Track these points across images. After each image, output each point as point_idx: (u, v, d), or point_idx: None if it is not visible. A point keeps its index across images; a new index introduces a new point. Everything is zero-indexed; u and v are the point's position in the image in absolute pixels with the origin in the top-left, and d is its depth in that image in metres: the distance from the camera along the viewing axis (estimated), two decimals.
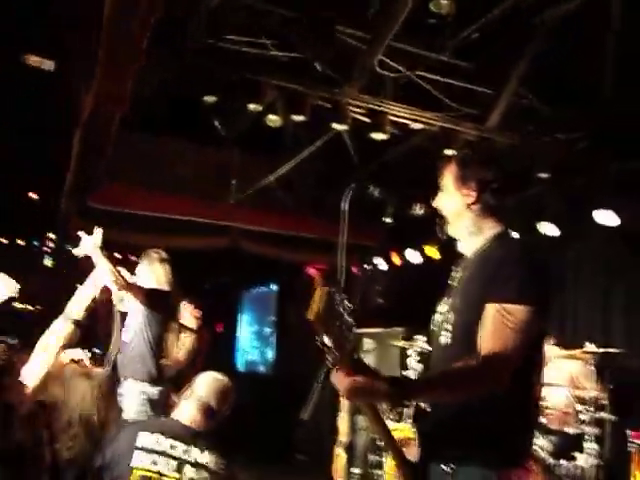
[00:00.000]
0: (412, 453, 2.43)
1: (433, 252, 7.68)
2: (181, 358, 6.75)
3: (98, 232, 3.94)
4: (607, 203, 5.83)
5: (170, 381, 6.88)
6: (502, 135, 5.71)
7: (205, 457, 2.96)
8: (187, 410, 3.14)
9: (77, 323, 3.16)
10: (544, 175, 6.12)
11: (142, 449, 2.89)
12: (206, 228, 8.37)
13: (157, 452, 2.90)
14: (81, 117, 5.23)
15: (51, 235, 11.32)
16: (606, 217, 5.85)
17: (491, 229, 2.46)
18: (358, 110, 5.34)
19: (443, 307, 2.49)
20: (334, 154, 6.64)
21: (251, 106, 5.17)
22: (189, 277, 11.21)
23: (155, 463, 2.88)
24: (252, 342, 13.60)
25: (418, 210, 2.38)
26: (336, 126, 5.27)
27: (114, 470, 2.89)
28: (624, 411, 5.75)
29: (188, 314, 7.22)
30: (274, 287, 12.59)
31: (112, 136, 5.83)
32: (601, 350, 5.54)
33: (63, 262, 11.75)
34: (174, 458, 2.90)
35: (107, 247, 11.48)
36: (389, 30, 4.61)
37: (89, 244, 4.00)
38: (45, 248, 12.02)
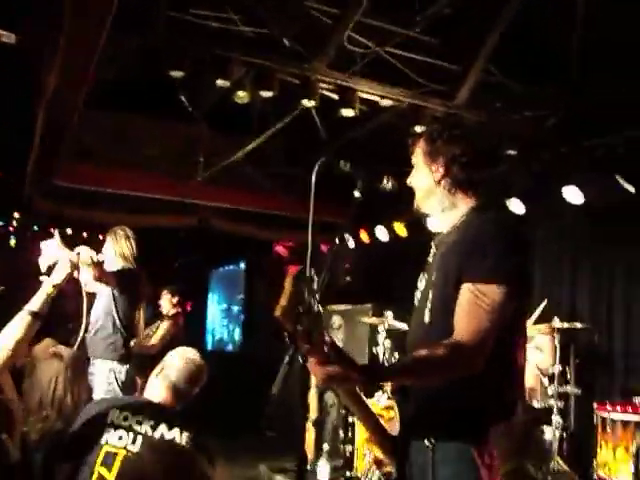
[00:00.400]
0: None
1: (401, 229, 7.71)
2: (155, 342, 6.77)
3: (55, 234, 3.73)
4: (574, 180, 5.89)
5: (142, 364, 6.88)
6: (470, 112, 5.72)
7: (173, 433, 2.94)
8: (156, 389, 3.13)
9: (35, 315, 3.04)
10: (512, 152, 6.15)
11: (110, 424, 2.88)
12: (174, 206, 8.32)
13: (123, 427, 2.88)
14: (45, 93, 5.13)
15: (16, 214, 11.15)
16: (573, 194, 5.91)
17: (465, 204, 2.45)
18: (327, 86, 5.30)
19: (422, 284, 2.50)
20: (302, 130, 6.60)
21: (219, 82, 5.11)
22: (158, 256, 11.18)
23: (121, 438, 2.86)
24: (221, 320, 13.59)
25: (387, 185, 2.36)
26: (305, 102, 5.23)
27: (82, 445, 2.87)
28: (588, 385, 5.87)
29: (167, 302, 7.26)
30: (242, 265, 12.57)
31: (77, 113, 5.72)
32: (566, 325, 5.63)
33: (27, 242, 11.62)
34: (140, 434, 2.88)
35: (74, 226, 11.37)
36: (358, 5, 4.57)
37: (52, 250, 3.79)
38: (10, 228, 11.83)
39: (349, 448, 6.03)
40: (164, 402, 3.08)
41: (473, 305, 2.16)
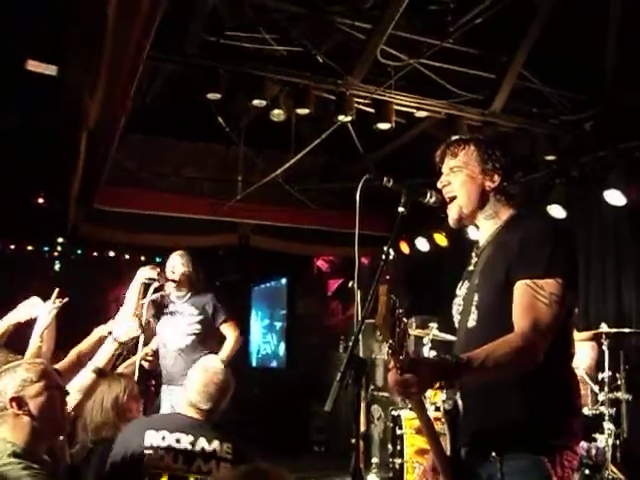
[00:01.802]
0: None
1: (442, 239, 7.68)
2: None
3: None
4: (614, 184, 5.82)
5: None
6: (507, 119, 5.70)
7: (213, 446, 2.96)
8: (183, 405, 3.14)
9: (100, 372, 3.16)
10: (551, 158, 6.11)
11: (149, 447, 2.90)
12: (215, 226, 8.40)
13: (163, 448, 2.90)
14: (86, 121, 5.24)
15: (59, 239, 11.37)
16: (614, 197, 5.84)
17: (507, 212, 2.46)
18: (362, 100, 5.33)
19: (462, 290, 2.50)
20: (340, 145, 6.64)
21: (255, 102, 5.17)
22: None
23: (162, 459, 2.89)
24: (264, 337, 13.63)
25: (431, 199, 2.38)
26: (341, 118, 5.26)
27: (126, 469, 2.89)
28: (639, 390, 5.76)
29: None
30: (284, 281, 12.61)
31: (117, 139, 5.84)
32: (614, 330, 5.55)
33: (71, 266, 11.82)
34: (181, 451, 2.91)
35: (115, 249, 11.51)
36: (390, 18, 4.60)
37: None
38: (54, 253, 12.07)
39: (398, 461, 5.99)
40: (198, 414, 3.08)
41: (532, 299, 2.18)
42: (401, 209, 2.32)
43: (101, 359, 3.17)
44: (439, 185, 2.51)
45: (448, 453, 2.37)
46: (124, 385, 3.45)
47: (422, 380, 2.07)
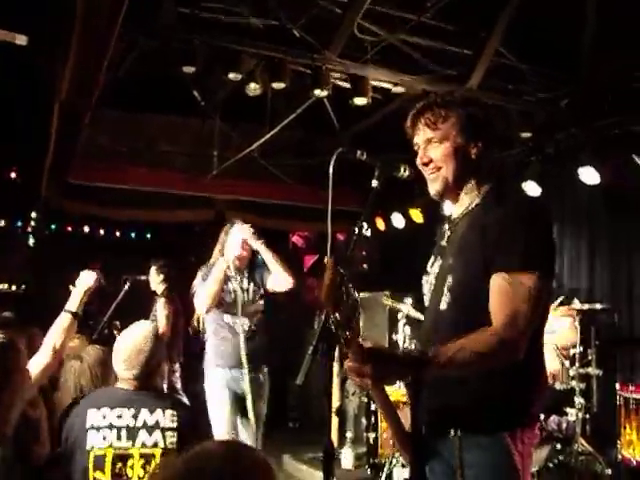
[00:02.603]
0: (404, 417, 2.43)
1: (417, 215, 7.70)
2: (163, 328, 6.69)
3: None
4: (588, 161, 5.85)
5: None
6: (483, 95, 5.69)
7: (156, 416, 2.88)
8: (120, 375, 3.04)
9: (75, 315, 3.40)
10: (526, 134, 6.13)
11: (92, 428, 2.84)
12: (190, 201, 8.34)
13: (105, 427, 2.84)
14: (58, 94, 5.16)
15: (33, 214, 11.24)
16: (588, 175, 5.88)
17: (484, 186, 2.37)
18: (338, 76, 5.30)
19: (434, 268, 2.43)
20: (316, 120, 6.60)
21: (231, 75, 5.12)
22: (175, 251, 11.21)
23: (104, 438, 2.82)
24: None
25: (405, 173, 2.34)
26: (317, 92, 5.23)
27: (73, 456, 2.84)
28: (610, 366, 5.85)
29: (156, 280, 7.03)
30: (260, 257, 12.58)
31: (90, 112, 5.76)
32: (586, 307, 5.61)
33: (45, 241, 11.70)
34: (122, 428, 2.84)
35: (90, 224, 11.39)
36: None
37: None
38: (28, 228, 11.93)
39: (372, 435, 6.04)
40: (134, 386, 2.98)
41: (510, 294, 2.10)
42: (375, 183, 2.23)
43: (73, 303, 3.42)
44: (418, 161, 2.38)
45: (408, 429, 2.31)
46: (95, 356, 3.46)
47: (379, 374, 2.00)
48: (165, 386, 6.81)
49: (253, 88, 5.32)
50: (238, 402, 4.83)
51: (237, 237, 4.84)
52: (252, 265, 5.05)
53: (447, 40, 5.38)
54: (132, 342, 2.99)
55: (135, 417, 2.87)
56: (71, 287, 3.55)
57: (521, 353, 2.07)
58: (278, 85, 5.16)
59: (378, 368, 1.98)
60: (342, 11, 4.91)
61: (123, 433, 2.83)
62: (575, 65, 5.53)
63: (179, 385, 6.89)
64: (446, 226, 2.46)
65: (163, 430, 2.86)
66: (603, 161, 5.83)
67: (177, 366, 6.97)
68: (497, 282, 2.13)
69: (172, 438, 2.86)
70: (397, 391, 5.57)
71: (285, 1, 5.11)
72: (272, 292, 5.09)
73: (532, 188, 6.26)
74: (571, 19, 5.14)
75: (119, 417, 2.86)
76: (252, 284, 5.00)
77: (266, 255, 4.89)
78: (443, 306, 2.28)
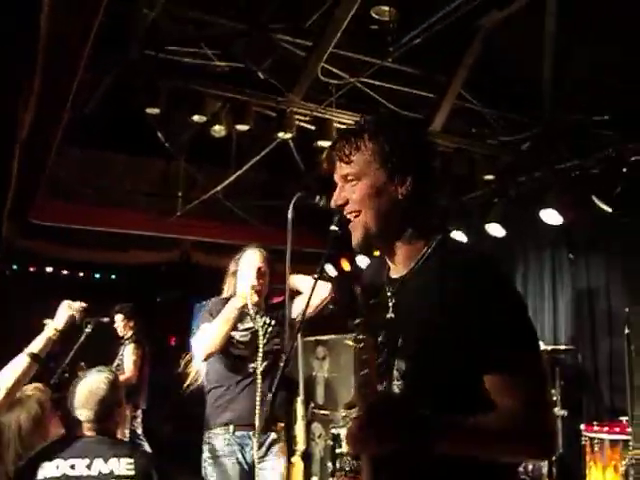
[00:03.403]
0: None
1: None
2: (130, 372, 6.63)
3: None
4: (550, 203, 5.93)
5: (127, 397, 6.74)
6: (446, 139, 5.77)
7: (110, 465, 2.80)
8: (78, 418, 2.97)
9: (35, 357, 3.16)
10: (489, 177, 6.20)
11: None
12: (155, 241, 8.29)
13: (58, 478, 2.75)
14: (20, 131, 5.10)
15: None
16: (550, 216, 5.95)
17: (433, 234, 1.85)
18: (303, 118, 5.33)
19: (373, 340, 1.82)
20: (281, 162, 6.63)
21: (195, 117, 5.13)
22: (141, 291, 11.07)
23: None
24: None
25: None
26: (281, 135, 5.26)
27: None
28: (575, 406, 5.87)
29: (122, 325, 7.02)
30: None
31: (54, 151, 5.71)
32: (550, 348, 5.64)
33: (7, 285, 11.49)
34: (76, 478, 2.76)
35: (53, 264, 11.22)
36: (331, 37, 4.62)
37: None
38: None
39: None
40: (92, 432, 2.91)
41: (515, 381, 1.67)
42: (333, 227, 1.92)
43: (37, 344, 3.19)
44: (332, 204, 1.90)
45: None
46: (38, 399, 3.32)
47: (381, 437, 1.61)
48: (127, 432, 6.72)
49: (218, 130, 5.34)
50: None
51: (252, 265, 3.97)
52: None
53: (410, 84, 5.46)
54: (87, 386, 2.95)
55: (89, 467, 2.79)
56: (45, 322, 3.37)
57: (555, 445, 1.78)
58: (242, 127, 5.18)
59: (378, 428, 1.61)
60: (306, 54, 4.95)
61: None
62: (536, 109, 5.63)
63: (140, 431, 6.77)
64: (386, 289, 1.90)
65: (118, 479, 2.79)
66: (564, 203, 5.91)
67: (139, 412, 6.87)
68: (496, 384, 1.68)
69: None
70: None
71: (250, 44, 5.15)
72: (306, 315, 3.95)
73: (496, 229, 6.32)
74: (532, 64, 5.25)
75: (72, 467, 2.78)
76: (273, 320, 3.99)
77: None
78: (395, 390, 1.79)
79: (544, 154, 5.94)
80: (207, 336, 3.87)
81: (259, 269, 3.94)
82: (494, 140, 6.01)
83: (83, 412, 2.91)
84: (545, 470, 5.40)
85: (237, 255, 4.17)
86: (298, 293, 3.87)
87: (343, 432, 5.78)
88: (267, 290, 4.04)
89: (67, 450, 2.85)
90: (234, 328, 3.88)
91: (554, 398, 5.67)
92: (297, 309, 3.83)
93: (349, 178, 1.85)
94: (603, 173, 5.58)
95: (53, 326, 3.29)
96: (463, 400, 1.69)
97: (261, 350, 3.82)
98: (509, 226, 6.34)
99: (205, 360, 3.96)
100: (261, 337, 3.86)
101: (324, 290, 3.94)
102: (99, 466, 2.80)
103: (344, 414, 6.45)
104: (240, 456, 3.77)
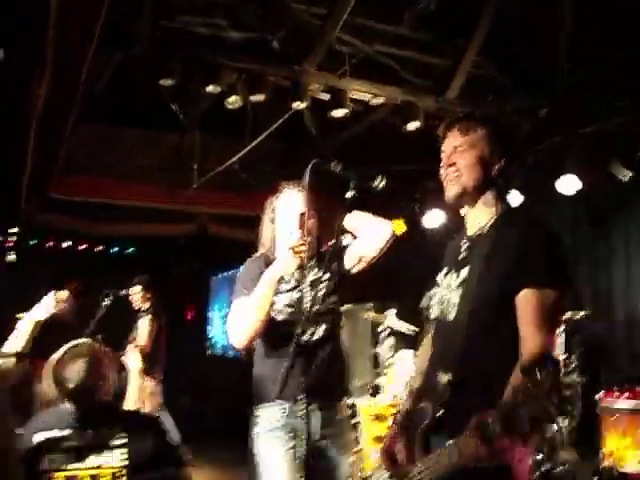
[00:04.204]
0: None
1: (400, 227, 7.69)
2: (145, 343, 6.68)
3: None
4: (570, 169, 5.88)
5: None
6: (462, 106, 5.71)
7: (102, 434, 2.80)
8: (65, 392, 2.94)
9: (18, 355, 3.10)
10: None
11: (40, 452, 2.75)
12: (171, 214, 8.31)
13: (52, 450, 2.75)
14: (35, 108, 5.12)
15: (13, 229, 11.12)
16: (570, 183, 5.90)
17: (499, 206, 2.42)
18: (317, 87, 5.30)
19: (448, 281, 2.44)
20: (296, 132, 6.60)
21: (209, 88, 5.10)
22: (157, 265, 11.14)
23: (53, 461, 2.74)
24: (222, 327, 13.55)
25: (380, 184, 2.35)
26: (296, 105, 5.22)
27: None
28: (593, 373, 5.85)
29: (139, 297, 7.07)
30: (242, 269, 12.50)
31: (69, 126, 5.72)
32: (569, 314, 5.62)
33: (25, 257, 11.59)
34: (70, 449, 2.76)
35: (71, 238, 11.31)
36: (346, 4, 4.57)
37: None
38: (8, 243, 11.81)
39: (355, 448, 6.00)
40: (80, 404, 2.89)
41: (539, 310, 2.16)
42: (349, 194, 2.29)
43: (19, 342, 3.10)
44: (443, 165, 2.43)
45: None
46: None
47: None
48: (160, 400, 6.81)
49: (233, 101, 5.31)
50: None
51: (291, 213, 3.27)
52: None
53: (425, 51, 5.40)
54: (72, 361, 2.90)
55: (83, 437, 2.80)
56: (19, 316, 3.21)
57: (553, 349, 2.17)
58: (257, 98, 5.15)
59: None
60: (320, 23, 4.91)
61: (71, 454, 2.76)
62: (553, 74, 5.55)
63: (161, 400, 6.85)
64: (464, 240, 2.48)
65: (112, 448, 2.79)
66: (584, 168, 5.85)
67: (158, 382, 6.94)
68: (528, 297, 2.18)
69: (123, 455, 2.78)
70: (378, 404, 5.56)
71: (263, 14, 5.10)
72: (363, 261, 3.38)
73: (515, 197, 6.27)
74: (549, 29, 5.17)
75: (67, 439, 2.78)
76: (327, 273, 3.30)
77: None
78: (451, 317, 2.34)
79: (562, 120, 5.87)
80: (243, 318, 3.20)
81: (302, 216, 3.11)
82: (511, 107, 5.94)
83: (70, 384, 2.86)
84: (563, 437, 5.40)
85: (274, 196, 3.50)
86: (353, 237, 3.33)
87: (359, 402, 5.81)
88: (316, 235, 3.31)
89: (61, 421, 2.84)
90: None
91: (573, 364, 5.66)
92: (353, 257, 3.31)
93: (460, 149, 2.38)
94: (624, 137, 5.52)
95: (35, 319, 3.14)
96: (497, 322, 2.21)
97: (313, 312, 3.08)
98: (528, 193, 6.29)
99: (245, 347, 3.24)
100: (311, 296, 3.15)
101: (385, 230, 3.29)
102: (92, 436, 2.80)
103: (360, 384, 6.50)
104: (293, 435, 3.10)
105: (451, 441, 2.06)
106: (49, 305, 3.24)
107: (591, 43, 5.14)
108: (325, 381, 3.09)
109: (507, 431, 1.84)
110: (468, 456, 1.98)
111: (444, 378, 2.27)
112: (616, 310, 6.09)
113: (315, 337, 3.15)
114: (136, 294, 7.02)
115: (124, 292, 6.59)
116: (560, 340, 5.62)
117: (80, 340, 3.05)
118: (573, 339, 5.75)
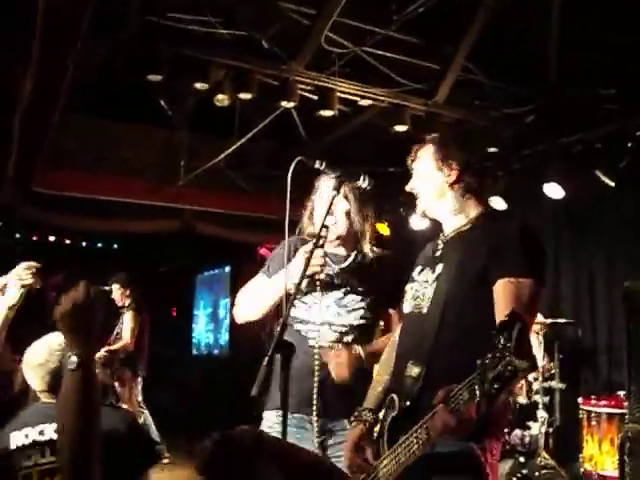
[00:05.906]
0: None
1: (384, 229, 7.70)
2: (127, 341, 6.69)
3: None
4: (553, 177, 5.91)
5: (124, 365, 6.81)
6: (450, 110, 5.73)
7: None
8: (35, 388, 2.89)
9: None
10: (493, 150, 6.17)
11: (15, 450, 2.71)
12: (157, 211, 8.28)
13: (28, 446, 2.71)
14: (20, 100, 5.08)
15: None
16: (552, 190, 5.93)
17: (474, 209, 2.53)
18: (305, 87, 5.30)
19: (422, 277, 2.53)
20: (284, 132, 6.59)
21: (198, 85, 5.09)
22: (142, 261, 11.10)
23: (29, 457, 2.69)
24: (207, 325, 13.54)
25: (363, 183, 2.37)
26: (284, 103, 5.22)
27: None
28: (573, 379, 5.90)
29: (119, 295, 7.10)
30: (227, 269, 12.53)
31: (54, 119, 5.68)
32: (550, 321, 5.65)
33: (6, 251, 11.49)
34: (45, 443, 2.71)
35: (56, 233, 11.22)
36: (335, 5, 4.57)
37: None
38: None
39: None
40: (51, 400, 2.79)
41: (515, 298, 2.21)
42: (333, 192, 2.32)
43: None
44: (407, 189, 2.63)
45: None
46: None
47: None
48: (139, 398, 6.79)
49: (221, 99, 5.29)
50: None
51: (324, 204, 2.78)
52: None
53: (414, 54, 5.40)
54: (34, 357, 2.83)
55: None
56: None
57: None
58: (245, 96, 5.14)
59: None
60: (310, 23, 4.90)
61: (47, 449, 2.71)
62: (541, 81, 5.58)
63: (140, 398, 6.83)
64: (439, 240, 2.60)
65: None
66: (567, 177, 5.89)
67: (139, 379, 6.93)
68: (502, 287, 2.26)
69: None
70: None
71: (253, 12, 5.09)
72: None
73: (498, 203, 6.29)
74: (537, 35, 5.19)
75: (41, 433, 2.73)
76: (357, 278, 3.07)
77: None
78: (424, 310, 2.41)
79: (547, 127, 5.90)
80: (248, 297, 3.25)
81: (330, 210, 2.65)
82: (497, 112, 5.96)
83: (38, 380, 2.82)
84: (542, 442, 5.44)
85: (316, 183, 3.12)
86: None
87: None
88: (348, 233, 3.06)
89: (34, 416, 2.79)
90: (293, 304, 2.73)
91: (552, 371, 5.70)
92: None
93: (414, 170, 2.60)
94: (607, 147, 5.55)
95: (6, 305, 3.00)
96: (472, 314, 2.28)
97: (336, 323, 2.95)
98: (511, 200, 6.32)
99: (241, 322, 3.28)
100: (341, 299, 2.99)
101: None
102: None
103: None
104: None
105: (417, 426, 2.07)
106: (15, 288, 3.05)
107: (580, 47, 5.17)
108: (338, 392, 2.89)
109: (474, 396, 1.85)
110: (438, 430, 1.98)
111: (414, 370, 2.30)
112: (597, 316, 6.12)
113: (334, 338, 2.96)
114: (116, 291, 7.05)
115: (108, 288, 6.59)
116: (539, 345, 5.66)
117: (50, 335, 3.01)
118: (554, 345, 5.78)
